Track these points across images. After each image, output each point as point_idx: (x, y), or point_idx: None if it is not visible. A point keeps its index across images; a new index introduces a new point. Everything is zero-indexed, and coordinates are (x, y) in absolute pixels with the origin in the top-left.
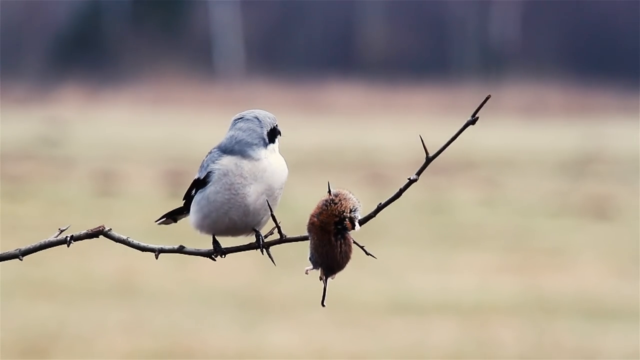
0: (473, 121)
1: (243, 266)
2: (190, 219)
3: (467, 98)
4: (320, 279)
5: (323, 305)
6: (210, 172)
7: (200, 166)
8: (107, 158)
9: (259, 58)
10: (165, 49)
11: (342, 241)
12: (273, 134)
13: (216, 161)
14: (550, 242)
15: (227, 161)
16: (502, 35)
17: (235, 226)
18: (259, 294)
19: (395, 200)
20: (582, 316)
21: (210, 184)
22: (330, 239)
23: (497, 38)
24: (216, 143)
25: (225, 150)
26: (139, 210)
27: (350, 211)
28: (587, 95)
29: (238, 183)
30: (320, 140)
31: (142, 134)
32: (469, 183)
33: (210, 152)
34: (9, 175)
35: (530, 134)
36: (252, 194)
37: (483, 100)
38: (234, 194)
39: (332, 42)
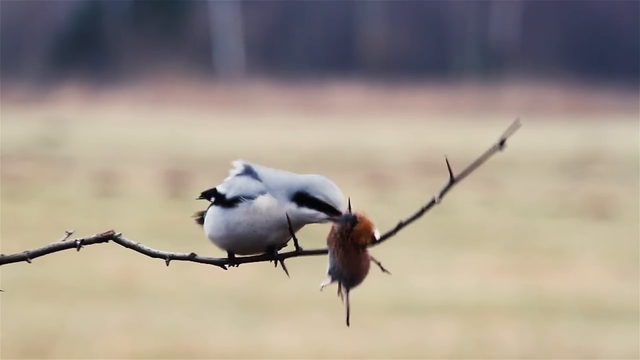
0: (501, 147)
1: (244, 267)
2: (205, 229)
3: (467, 98)
4: (339, 293)
5: (348, 324)
6: (239, 198)
7: (230, 183)
8: (107, 158)
9: (259, 58)
10: (165, 49)
11: (363, 255)
12: (304, 199)
13: (252, 193)
14: (551, 242)
15: (264, 200)
16: (502, 35)
17: (248, 250)
18: (259, 295)
19: (396, 201)
20: (583, 316)
21: (235, 210)
22: (357, 250)
23: (497, 38)
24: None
25: (267, 188)
26: (139, 211)
27: (369, 229)
28: (587, 95)
29: (261, 223)
30: (320, 140)
31: (142, 134)
32: (469, 183)
33: (245, 175)
34: (9, 176)
35: (530, 134)
36: (272, 235)
37: (513, 125)
38: (254, 231)
39: (332, 42)
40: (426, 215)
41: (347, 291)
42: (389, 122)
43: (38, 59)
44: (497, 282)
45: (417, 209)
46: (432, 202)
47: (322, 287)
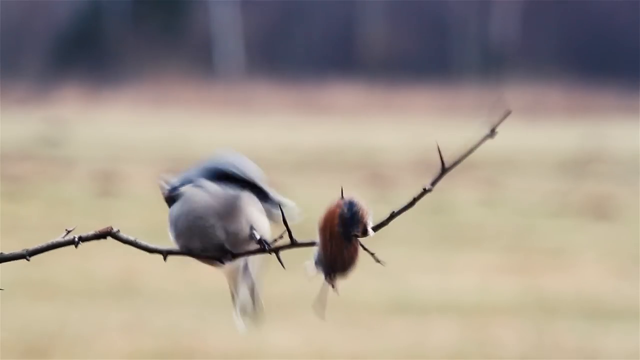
0: (491, 135)
1: None
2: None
3: (467, 98)
4: (323, 282)
5: (323, 318)
6: (177, 189)
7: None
8: (108, 158)
9: (259, 58)
10: (166, 49)
11: (349, 244)
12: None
13: (181, 183)
14: (551, 242)
15: (190, 188)
16: (502, 35)
17: (203, 247)
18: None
19: (396, 201)
20: (583, 316)
21: (175, 204)
22: (344, 241)
23: (497, 38)
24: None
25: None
26: (139, 211)
27: (362, 217)
28: (587, 95)
29: (199, 210)
30: (320, 140)
31: (142, 134)
32: (469, 183)
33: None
34: (9, 175)
35: (530, 134)
36: (217, 224)
37: (503, 115)
38: (195, 218)
39: (332, 42)
40: (426, 214)
41: (328, 279)
42: (389, 122)
43: (38, 59)
44: (497, 282)
45: (417, 209)
46: (424, 191)
47: (309, 273)
